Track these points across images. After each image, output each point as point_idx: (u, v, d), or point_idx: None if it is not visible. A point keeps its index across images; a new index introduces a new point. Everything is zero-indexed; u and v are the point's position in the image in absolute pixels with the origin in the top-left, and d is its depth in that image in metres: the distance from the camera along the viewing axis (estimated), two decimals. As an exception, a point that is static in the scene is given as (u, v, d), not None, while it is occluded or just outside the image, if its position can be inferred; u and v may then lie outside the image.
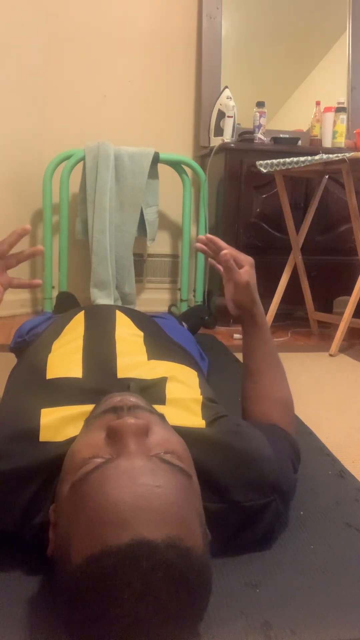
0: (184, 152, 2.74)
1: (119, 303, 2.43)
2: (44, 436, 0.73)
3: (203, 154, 2.68)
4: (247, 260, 0.97)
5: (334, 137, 2.59)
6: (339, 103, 2.59)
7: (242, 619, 0.63)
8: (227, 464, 0.73)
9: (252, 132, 2.51)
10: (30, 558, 0.69)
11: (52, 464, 0.69)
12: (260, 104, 2.50)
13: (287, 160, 2.06)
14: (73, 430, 0.73)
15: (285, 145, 2.49)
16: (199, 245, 1.01)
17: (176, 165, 2.52)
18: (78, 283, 2.59)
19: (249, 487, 0.72)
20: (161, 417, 0.67)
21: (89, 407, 0.75)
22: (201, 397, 0.86)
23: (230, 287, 0.96)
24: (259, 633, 0.61)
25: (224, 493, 0.71)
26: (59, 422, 0.75)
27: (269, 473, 0.74)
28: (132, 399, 0.66)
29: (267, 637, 0.61)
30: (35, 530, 0.67)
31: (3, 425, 0.76)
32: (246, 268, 0.96)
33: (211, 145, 2.55)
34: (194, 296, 2.64)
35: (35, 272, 2.69)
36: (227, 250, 0.94)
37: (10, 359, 1.34)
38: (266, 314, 2.33)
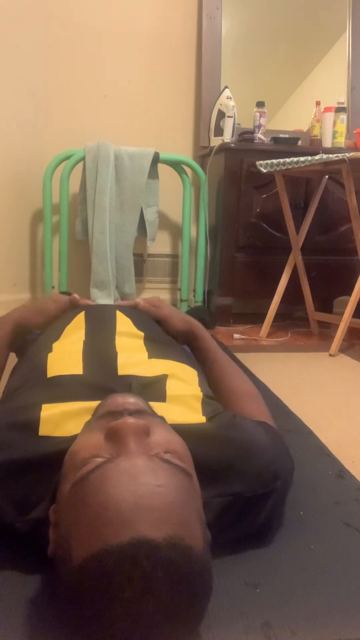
0: (184, 152, 2.74)
1: (119, 303, 2.43)
2: (44, 430, 0.74)
3: (203, 154, 2.68)
4: (155, 300, 1.20)
5: (334, 137, 2.59)
6: (339, 103, 2.59)
7: (242, 619, 0.63)
8: (228, 457, 0.73)
9: (252, 132, 2.51)
10: (31, 558, 0.69)
11: (51, 459, 0.69)
12: (260, 104, 2.50)
13: (287, 160, 2.06)
14: (73, 425, 0.73)
15: (285, 145, 2.49)
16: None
17: (176, 165, 2.52)
18: (78, 283, 2.59)
19: (251, 478, 0.73)
20: (161, 418, 0.68)
21: (89, 404, 0.75)
22: (201, 394, 0.87)
23: (163, 325, 1.14)
24: (259, 633, 0.61)
25: (227, 486, 0.71)
26: (59, 417, 0.75)
27: (269, 463, 0.75)
28: (133, 400, 0.66)
29: (267, 637, 0.61)
30: (33, 525, 0.67)
31: (3, 419, 0.76)
32: (160, 307, 1.17)
33: (211, 145, 2.55)
34: (194, 296, 2.64)
35: (35, 272, 2.69)
36: (138, 300, 1.18)
37: (11, 359, 1.34)
38: (266, 314, 2.34)
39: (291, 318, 2.74)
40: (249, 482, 0.72)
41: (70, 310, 1.16)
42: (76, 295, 1.17)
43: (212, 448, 0.73)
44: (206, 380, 1.05)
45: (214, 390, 1.02)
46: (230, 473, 0.72)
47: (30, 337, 1.31)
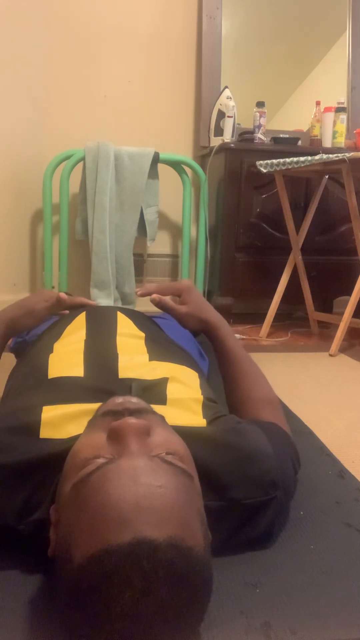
0: (184, 152, 2.74)
1: (119, 303, 2.43)
2: (44, 433, 0.74)
3: (203, 154, 2.68)
4: (181, 288, 1.06)
5: (334, 137, 2.60)
6: (339, 103, 2.59)
7: (242, 619, 0.63)
8: (227, 462, 0.73)
9: (252, 132, 2.51)
10: (31, 558, 0.69)
11: (51, 460, 0.69)
12: (260, 104, 2.50)
13: (287, 160, 2.06)
14: (74, 427, 0.74)
15: (285, 145, 2.49)
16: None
17: (176, 165, 2.52)
18: (78, 283, 2.59)
19: (249, 485, 0.72)
20: (161, 417, 0.68)
21: (90, 406, 0.75)
22: (202, 397, 0.86)
23: (179, 321, 1.06)
24: (259, 633, 0.61)
25: (225, 491, 0.71)
26: (59, 419, 0.75)
27: (269, 470, 0.74)
28: (134, 400, 0.67)
29: (267, 637, 0.61)
30: (34, 526, 0.67)
31: (4, 421, 0.76)
32: (183, 297, 1.05)
33: (211, 145, 2.55)
34: (194, 296, 2.64)
35: (35, 272, 2.70)
36: (154, 295, 1.02)
37: (10, 360, 1.34)
38: (266, 314, 2.34)
39: (291, 318, 2.74)
40: (246, 489, 0.72)
41: (58, 307, 1.13)
42: (63, 294, 1.11)
43: (211, 452, 0.73)
44: (223, 380, 1.04)
45: (229, 392, 1.01)
46: (227, 479, 0.72)
47: (29, 337, 1.32)
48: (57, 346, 0.98)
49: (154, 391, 0.83)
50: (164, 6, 2.66)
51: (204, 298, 1.11)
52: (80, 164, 2.37)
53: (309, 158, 1.98)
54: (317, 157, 1.96)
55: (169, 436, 0.63)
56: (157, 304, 1.04)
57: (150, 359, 0.93)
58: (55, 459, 0.68)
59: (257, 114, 2.49)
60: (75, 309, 1.16)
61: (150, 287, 1.05)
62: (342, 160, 1.90)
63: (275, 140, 2.51)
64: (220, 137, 2.53)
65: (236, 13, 2.75)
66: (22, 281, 2.65)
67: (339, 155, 1.89)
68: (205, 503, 0.62)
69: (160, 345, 1.01)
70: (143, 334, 1.03)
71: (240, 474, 0.73)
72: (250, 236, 2.44)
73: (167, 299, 1.05)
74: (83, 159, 2.34)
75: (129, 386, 0.82)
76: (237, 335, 2.30)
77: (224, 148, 2.41)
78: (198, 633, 0.60)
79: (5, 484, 0.69)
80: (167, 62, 2.70)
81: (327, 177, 2.35)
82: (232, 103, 2.51)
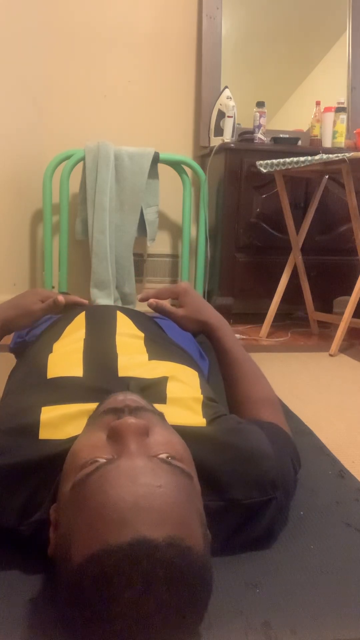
0: (184, 152, 2.74)
1: (119, 303, 2.43)
2: (44, 433, 0.74)
3: (203, 154, 2.68)
4: (178, 291, 1.08)
5: (334, 137, 2.59)
6: (339, 103, 2.59)
7: (242, 619, 0.63)
8: (228, 462, 0.73)
9: (252, 132, 2.51)
10: (31, 558, 0.69)
11: (51, 461, 0.69)
12: (260, 104, 2.50)
13: (287, 160, 2.06)
14: (73, 428, 0.73)
15: (285, 145, 2.49)
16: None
17: (176, 165, 2.52)
18: (78, 283, 2.59)
19: (249, 485, 0.72)
20: (162, 417, 0.67)
21: (89, 405, 0.75)
22: (202, 396, 0.86)
23: (177, 323, 1.07)
24: (259, 633, 0.61)
25: (224, 491, 0.71)
26: (59, 420, 0.75)
27: (269, 470, 0.74)
28: (134, 399, 0.66)
29: (267, 637, 0.61)
30: (35, 527, 0.67)
31: (3, 422, 0.76)
32: (181, 300, 1.07)
33: (211, 145, 2.55)
34: (194, 296, 2.63)
35: (35, 272, 2.70)
36: (151, 299, 1.05)
37: (10, 360, 1.35)
38: (266, 314, 2.34)
39: (291, 318, 2.74)
40: (246, 489, 0.72)
41: (56, 308, 1.12)
42: (60, 297, 1.10)
43: (211, 452, 0.73)
44: (223, 381, 1.05)
45: (229, 393, 1.02)
46: (227, 479, 0.72)
47: (29, 337, 1.32)
48: (57, 346, 0.98)
49: (154, 390, 0.83)
50: (163, 6, 2.65)
51: (202, 299, 1.11)
52: (80, 164, 2.37)
53: (309, 158, 1.98)
54: (317, 157, 1.96)
55: (169, 436, 0.63)
56: (155, 308, 1.05)
57: (150, 359, 0.93)
58: (54, 459, 0.68)
59: (257, 114, 2.49)
60: (72, 308, 1.16)
61: (149, 292, 1.07)
62: (342, 160, 1.90)
63: (275, 140, 2.51)
64: (220, 137, 2.53)
65: (236, 13, 2.75)
66: (22, 281, 2.65)
67: (339, 155, 1.89)
68: (205, 503, 0.62)
69: (159, 345, 1.01)
70: (142, 334, 1.03)
71: (240, 474, 0.72)
72: (250, 236, 2.44)
73: (165, 302, 1.06)
74: (83, 159, 2.34)
75: (127, 385, 0.82)
76: (237, 335, 2.30)
77: (224, 148, 2.41)
78: (198, 633, 0.60)
79: (5, 485, 0.69)
80: (167, 62, 2.70)
81: (327, 177, 2.35)
82: (232, 103, 2.51)
